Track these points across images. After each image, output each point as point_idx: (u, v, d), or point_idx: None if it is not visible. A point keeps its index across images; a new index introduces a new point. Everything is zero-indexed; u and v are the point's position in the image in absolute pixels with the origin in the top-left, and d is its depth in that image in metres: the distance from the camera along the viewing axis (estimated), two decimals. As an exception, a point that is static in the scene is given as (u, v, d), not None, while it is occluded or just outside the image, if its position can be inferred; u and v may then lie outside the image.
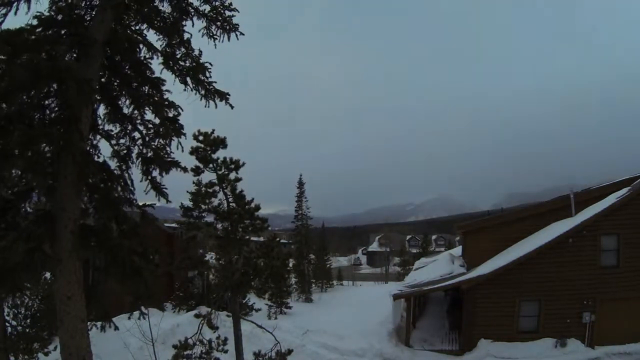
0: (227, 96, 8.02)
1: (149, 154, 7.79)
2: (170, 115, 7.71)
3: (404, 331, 19.05)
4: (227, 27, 7.95)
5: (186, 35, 7.81)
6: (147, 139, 7.81)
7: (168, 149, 7.80)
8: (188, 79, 7.81)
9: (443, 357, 17.60)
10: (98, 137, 7.76)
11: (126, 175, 7.70)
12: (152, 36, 7.79)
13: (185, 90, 7.85)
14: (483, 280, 17.43)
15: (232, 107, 8.09)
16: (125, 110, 7.81)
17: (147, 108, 7.77)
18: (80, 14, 7.13)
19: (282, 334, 15.14)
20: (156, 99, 7.67)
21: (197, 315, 11.95)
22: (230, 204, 11.52)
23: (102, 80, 7.53)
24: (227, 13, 7.93)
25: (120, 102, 7.79)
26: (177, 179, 8.79)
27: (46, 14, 6.61)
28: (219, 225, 11.77)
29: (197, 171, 11.18)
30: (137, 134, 7.88)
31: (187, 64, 7.81)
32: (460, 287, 18.17)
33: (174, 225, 26.54)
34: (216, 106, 7.97)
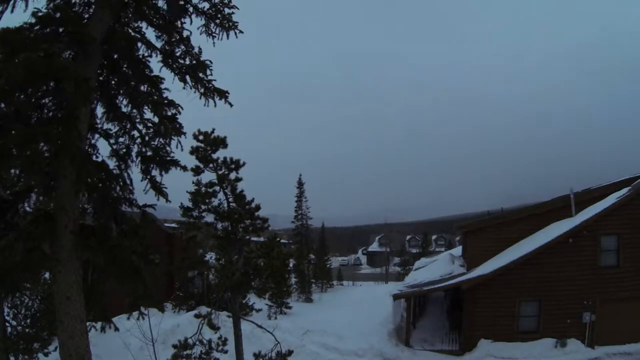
0: (227, 94, 7.99)
1: (149, 153, 7.75)
2: (170, 114, 7.68)
3: (404, 331, 19.01)
4: (227, 25, 7.91)
5: (185, 33, 7.78)
6: (146, 138, 7.77)
7: (168, 148, 7.77)
8: (187, 77, 7.77)
9: (443, 357, 17.56)
10: (97, 136, 7.72)
11: (125, 174, 7.66)
12: (151, 34, 7.76)
13: (184, 88, 7.82)
14: (483, 280, 17.40)
15: (231, 106, 8.06)
16: (124, 109, 7.77)
17: (146, 107, 7.73)
18: (79, 11, 7.08)
19: (282, 334, 15.13)
20: (155, 97, 7.62)
21: (197, 315, 11.92)
22: (231, 204, 11.48)
23: (101, 78, 7.49)
24: (227, 10, 7.89)
25: (118, 101, 7.75)
26: (177, 178, 8.74)
27: (44, 11, 6.56)
28: (219, 225, 11.73)
29: (197, 171, 11.15)
30: (136, 133, 7.84)
31: (187, 62, 7.78)
32: (460, 287, 18.14)
33: (174, 225, 26.54)
34: (215, 105, 7.94)
